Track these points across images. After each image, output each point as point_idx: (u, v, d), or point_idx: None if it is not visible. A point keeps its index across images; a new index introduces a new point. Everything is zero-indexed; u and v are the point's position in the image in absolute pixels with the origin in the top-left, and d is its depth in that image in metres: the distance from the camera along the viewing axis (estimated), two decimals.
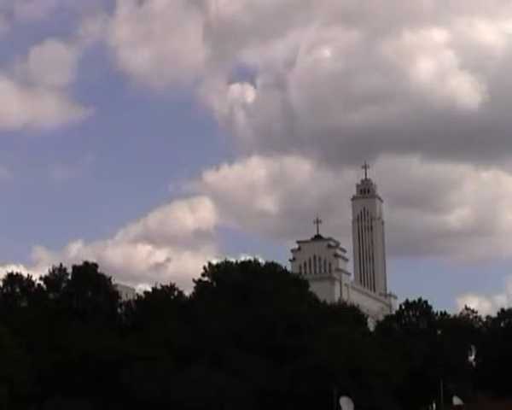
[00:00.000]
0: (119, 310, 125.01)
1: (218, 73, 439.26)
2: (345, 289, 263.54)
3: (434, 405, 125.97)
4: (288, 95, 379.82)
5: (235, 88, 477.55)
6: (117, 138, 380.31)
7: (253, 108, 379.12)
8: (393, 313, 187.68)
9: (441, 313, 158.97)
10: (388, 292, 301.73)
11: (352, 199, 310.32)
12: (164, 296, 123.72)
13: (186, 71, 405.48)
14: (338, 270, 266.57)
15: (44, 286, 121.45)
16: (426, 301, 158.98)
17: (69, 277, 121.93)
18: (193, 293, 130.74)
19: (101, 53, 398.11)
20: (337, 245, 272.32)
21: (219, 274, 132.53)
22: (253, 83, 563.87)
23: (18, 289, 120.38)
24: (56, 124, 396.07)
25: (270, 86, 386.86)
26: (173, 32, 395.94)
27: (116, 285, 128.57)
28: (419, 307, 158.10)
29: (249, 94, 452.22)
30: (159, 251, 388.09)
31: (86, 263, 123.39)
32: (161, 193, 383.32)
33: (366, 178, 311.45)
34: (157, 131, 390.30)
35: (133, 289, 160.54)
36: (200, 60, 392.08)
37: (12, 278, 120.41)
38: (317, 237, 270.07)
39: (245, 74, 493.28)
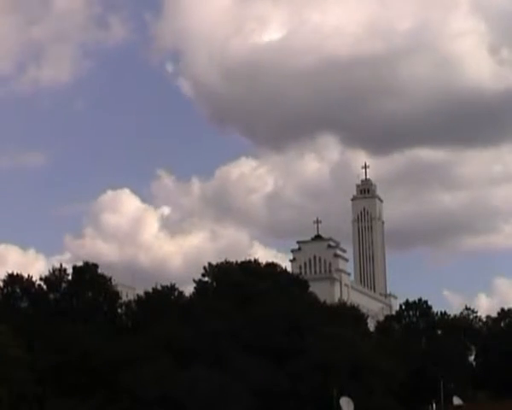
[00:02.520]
0: (119, 310, 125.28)
1: None
2: (345, 290, 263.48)
3: (434, 405, 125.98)
4: None
5: None
6: None
7: None
8: (393, 313, 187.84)
9: (441, 313, 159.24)
10: (388, 292, 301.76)
11: (352, 199, 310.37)
12: (164, 296, 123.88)
13: None
14: (338, 270, 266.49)
15: (45, 286, 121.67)
16: (426, 301, 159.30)
17: (69, 277, 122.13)
18: (193, 293, 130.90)
19: None
20: (337, 245, 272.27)
21: (219, 274, 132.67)
22: None
23: (18, 290, 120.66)
24: None
25: None
26: None
27: (116, 285, 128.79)
28: (419, 307, 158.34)
29: None
30: None
31: (86, 263, 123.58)
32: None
33: (366, 178, 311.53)
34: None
35: (133, 289, 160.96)
36: None
37: (12, 279, 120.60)
38: (317, 237, 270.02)
39: None
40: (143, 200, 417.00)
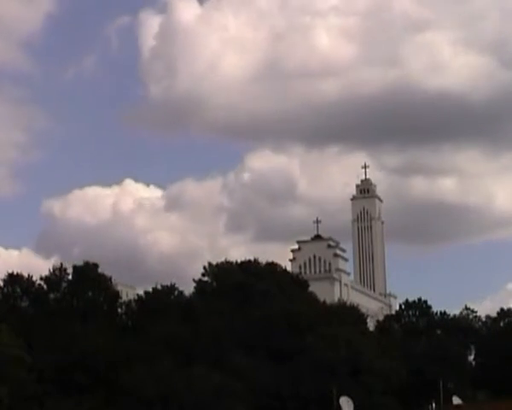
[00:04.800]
0: (119, 310, 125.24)
1: None
2: (344, 289, 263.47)
3: (434, 405, 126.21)
4: None
5: None
6: None
7: None
8: (393, 312, 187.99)
9: (441, 312, 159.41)
10: (388, 292, 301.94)
11: (352, 199, 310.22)
12: (164, 296, 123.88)
13: None
14: (338, 270, 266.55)
15: (45, 286, 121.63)
16: (426, 301, 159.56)
17: (69, 277, 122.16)
18: (193, 293, 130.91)
19: None
20: (337, 245, 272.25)
21: (219, 274, 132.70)
22: None
23: (18, 289, 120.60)
24: None
25: None
26: None
27: (116, 285, 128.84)
28: (419, 307, 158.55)
29: None
30: None
31: (87, 263, 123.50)
32: None
33: (366, 178, 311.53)
34: None
35: (133, 289, 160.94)
36: None
37: (12, 278, 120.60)
38: (317, 237, 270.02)
39: None
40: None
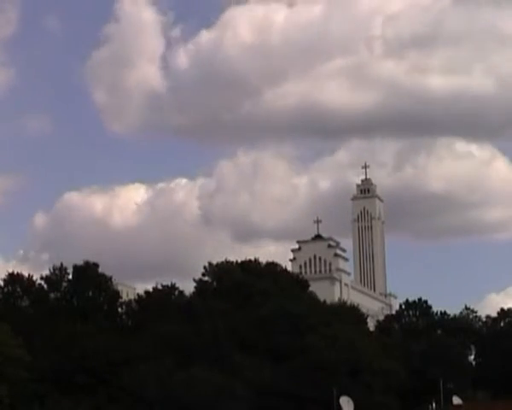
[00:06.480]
0: (119, 309, 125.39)
1: None
2: (345, 289, 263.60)
3: (434, 404, 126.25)
4: None
5: None
6: None
7: None
8: (393, 312, 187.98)
9: (441, 312, 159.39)
10: (388, 292, 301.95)
11: (352, 199, 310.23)
12: (164, 296, 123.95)
13: None
14: (338, 270, 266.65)
15: (45, 286, 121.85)
16: (426, 301, 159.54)
17: (70, 276, 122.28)
18: (193, 293, 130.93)
19: None
20: (337, 245, 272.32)
21: (219, 274, 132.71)
22: None
23: (19, 289, 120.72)
24: None
25: None
26: None
27: (117, 284, 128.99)
28: (419, 307, 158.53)
29: None
30: None
31: (87, 263, 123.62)
32: None
33: (366, 178, 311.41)
34: None
35: (134, 289, 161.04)
36: None
37: (13, 278, 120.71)
38: (317, 237, 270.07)
39: None
40: None
